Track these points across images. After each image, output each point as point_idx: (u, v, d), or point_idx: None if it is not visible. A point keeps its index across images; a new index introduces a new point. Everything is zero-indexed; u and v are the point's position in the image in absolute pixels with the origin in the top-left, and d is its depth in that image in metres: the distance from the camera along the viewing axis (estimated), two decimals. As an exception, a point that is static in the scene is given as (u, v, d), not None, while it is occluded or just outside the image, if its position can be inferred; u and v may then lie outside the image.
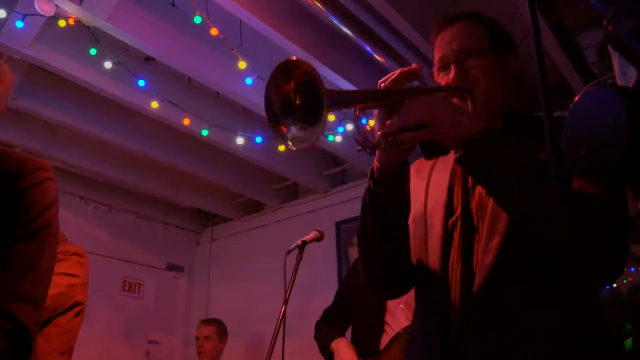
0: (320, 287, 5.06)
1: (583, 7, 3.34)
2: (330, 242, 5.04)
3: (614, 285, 3.72)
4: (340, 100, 1.20)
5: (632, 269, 3.77)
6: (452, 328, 1.27)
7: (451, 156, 1.41)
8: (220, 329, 4.81)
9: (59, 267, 2.38)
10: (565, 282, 1.20)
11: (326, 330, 3.52)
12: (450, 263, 1.32)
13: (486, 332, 1.22)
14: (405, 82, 1.26)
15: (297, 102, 1.15)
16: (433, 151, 1.24)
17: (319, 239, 3.02)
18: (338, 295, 3.70)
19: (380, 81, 1.27)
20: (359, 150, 1.23)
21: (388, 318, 3.24)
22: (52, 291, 2.28)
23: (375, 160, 1.33)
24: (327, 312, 3.64)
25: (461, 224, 1.34)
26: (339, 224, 5.17)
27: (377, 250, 1.40)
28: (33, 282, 1.17)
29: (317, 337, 3.54)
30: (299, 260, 2.84)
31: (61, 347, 2.36)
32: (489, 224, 1.27)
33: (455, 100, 1.35)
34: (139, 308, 5.84)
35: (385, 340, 3.17)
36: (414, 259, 1.44)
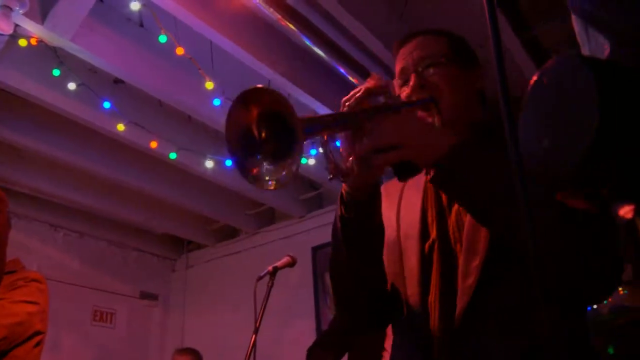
0: (296, 314, 4.94)
1: (558, 24, 3.32)
2: (306, 267, 4.94)
3: (594, 306, 3.66)
4: (314, 127, 1.12)
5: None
6: (435, 357, 1.20)
7: (421, 177, 1.36)
8: (196, 359, 4.65)
9: (17, 294, 2.26)
10: (551, 300, 1.12)
11: (318, 354, 3.36)
12: (431, 288, 1.25)
13: None
14: (370, 98, 1.20)
15: (263, 135, 1.05)
16: (406, 172, 1.17)
17: (292, 264, 2.96)
18: (334, 320, 3.57)
19: (344, 99, 1.20)
20: (330, 179, 1.16)
21: (387, 344, 3.12)
22: (10, 320, 2.18)
23: (344, 184, 1.26)
24: (321, 337, 3.51)
25: (439, 247, 1.27)
26: (315, 249, 5.07)
27: (353, 279, 1.32)
28: None
29: None
30: (270, 287, 2.78)
31: (20, 381, 2.23)
32: (467, 245, 1.21)
33: (420, 113, 1.29)
34: (111, 338, 5.66)
35: None
36: (389, 286, 1.36)
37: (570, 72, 0.46)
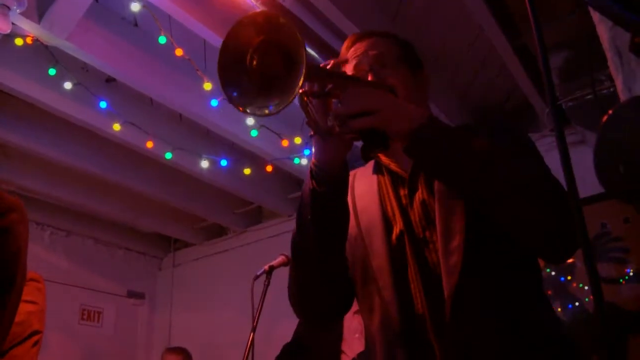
0: (285, 313, 4.93)
1: (545, 31, 3.39)
2: (295, 266, 4.96)
3: (576, 304, 3.77)
4: (316, 73, 1.17)
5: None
6: (421, 347, 1.22)
7: (369, 172, 1.43)
8: (186, 358, 4.66)
9: (16, 295, 2.26)
10: (531, 265, 1.28)
11: None
12: (410, 277, 1.26)
13: (466, 344, 1.18)
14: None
15: (259, 63, 1.08)
16: (376, 143, 1.19)
17: (286, 263, 2.97)
18: (297, 330, 3.65)
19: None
20: (311, 135, 1.20)
21: (344, 346, 3.20)
22: (8, 321, 2.17)
23: (313, 158, 1.27)
24: (286, 347, 3.58)
25: (408, 237, 1.28)
26: (303, 248, 5.09)
27: (316, 262, 1.30)
28: None
29: None
30: (266, 286, 2.78)
31: (17, 381, 2.23)
32: (442, 227, 1.23)
33: None
34: (98, 337, 5.64)
35: None
36: (354, 281, 1.37)
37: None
